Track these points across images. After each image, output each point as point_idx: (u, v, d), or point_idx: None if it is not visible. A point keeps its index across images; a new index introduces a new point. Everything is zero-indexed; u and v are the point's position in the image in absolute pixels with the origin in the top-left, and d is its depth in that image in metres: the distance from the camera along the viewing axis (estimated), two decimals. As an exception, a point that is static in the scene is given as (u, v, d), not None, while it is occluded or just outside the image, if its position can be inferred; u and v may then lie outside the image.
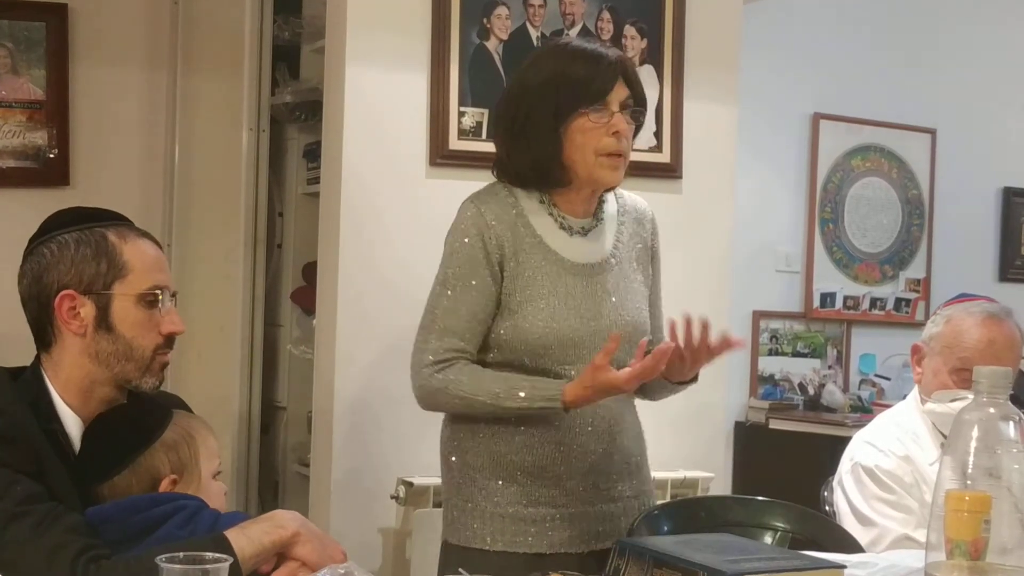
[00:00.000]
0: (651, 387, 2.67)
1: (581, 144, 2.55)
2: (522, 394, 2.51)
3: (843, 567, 2.02)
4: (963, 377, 2.81)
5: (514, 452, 2.58)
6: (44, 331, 2.17)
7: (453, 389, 2.54)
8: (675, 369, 2.51)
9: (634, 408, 2.76)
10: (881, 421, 2.97)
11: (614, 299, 2.62)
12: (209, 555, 1.68)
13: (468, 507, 2.62)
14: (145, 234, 2.24)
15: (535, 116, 2.56)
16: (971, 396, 2.65)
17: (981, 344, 2.81)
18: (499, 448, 2.59)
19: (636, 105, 2.60)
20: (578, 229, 2.64)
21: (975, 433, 1.70)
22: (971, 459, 1.70)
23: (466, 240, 2.58)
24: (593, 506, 2.61)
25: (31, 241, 2.21)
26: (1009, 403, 1.74)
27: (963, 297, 2.97)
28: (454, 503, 2.66)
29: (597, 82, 2.54)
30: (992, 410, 1.71)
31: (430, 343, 2.58)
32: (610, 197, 2.73)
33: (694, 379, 2.65)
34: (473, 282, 2.56)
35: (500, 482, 2.59)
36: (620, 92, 2.56)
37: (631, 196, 2.79)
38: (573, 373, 2.55)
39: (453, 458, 2.67)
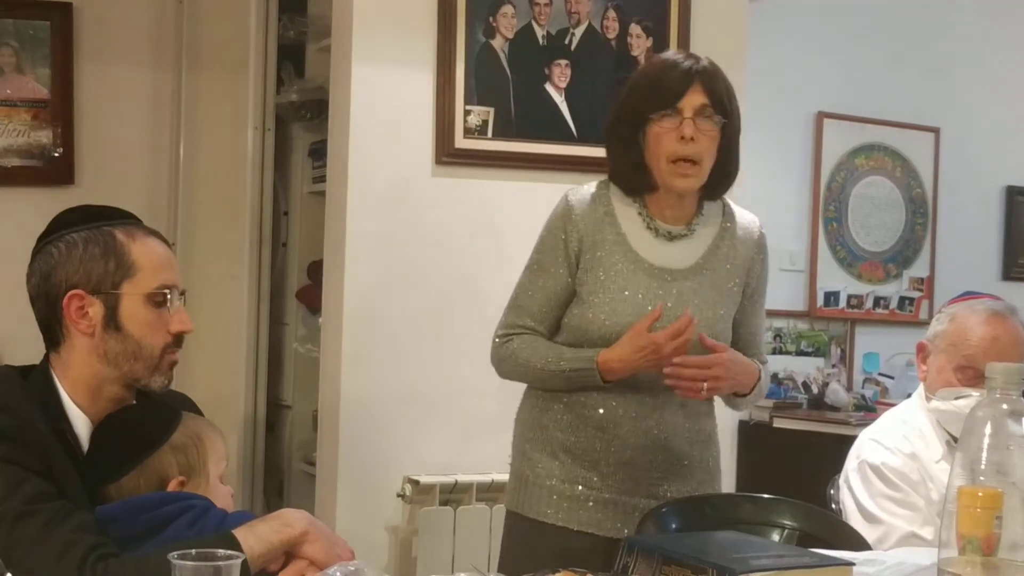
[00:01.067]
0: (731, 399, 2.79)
1: (655, 150, 2.64)
2: (566, 356, 2.66)
3: (852, 564, 2.01)
4: (967, 375, 2.81)
5: (559, 430, 2.71)
6: (52, 330, 2.17)
7: (515, 356, 2.71)
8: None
9: (705, 415, 2.79)
10: (887, 419, 2.97)
11: (691, 305, 2.66)
12: (221, 552, 1.68)
13: (519, 475, 2.77)
14: (154, 233, 2.24)
15: (622, 124, 2.69)
16: (975, 394, 2.67)
17: (985, 342, 2.81)
18: (547, 422, 2.73)
19: (716, 112, 2.64)
20: (664, 233, 2.71)
21: (987, 430, 1.70)
22: (983, 455, 1.70)
23: (552, 229, 2.73)
24: (631, 497, 2.69)
25: (39, 240, 2.20)
26: (1022, 399, 1.73)
27: (968, 295, 2.96)
28: (512, 470, 2.81)
29: (666, 87, 2.63)
30: (1004, 406, 1.71)
31: (507, 317, 2.77)
32: (718, 206, 2.79)
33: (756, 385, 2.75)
34: (551, 269, 2.71)
35: (543, 455, 2.72)
36: (695, 99, 2.62)
37: (742, 212, 2.84)
38: None
39: (516, 426, 2.82)
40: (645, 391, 2.66)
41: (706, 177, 2.67)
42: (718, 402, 2.81)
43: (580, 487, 2.68)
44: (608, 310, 2.63)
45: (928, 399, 2.89)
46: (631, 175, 2.69)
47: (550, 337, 2.73)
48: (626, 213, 2.71)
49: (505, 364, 2.75)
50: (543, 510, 2.69)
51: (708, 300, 2.69)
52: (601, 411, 2.66)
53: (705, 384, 2.58)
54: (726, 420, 4.23)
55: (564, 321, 2.71)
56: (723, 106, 2.66)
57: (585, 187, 2.77)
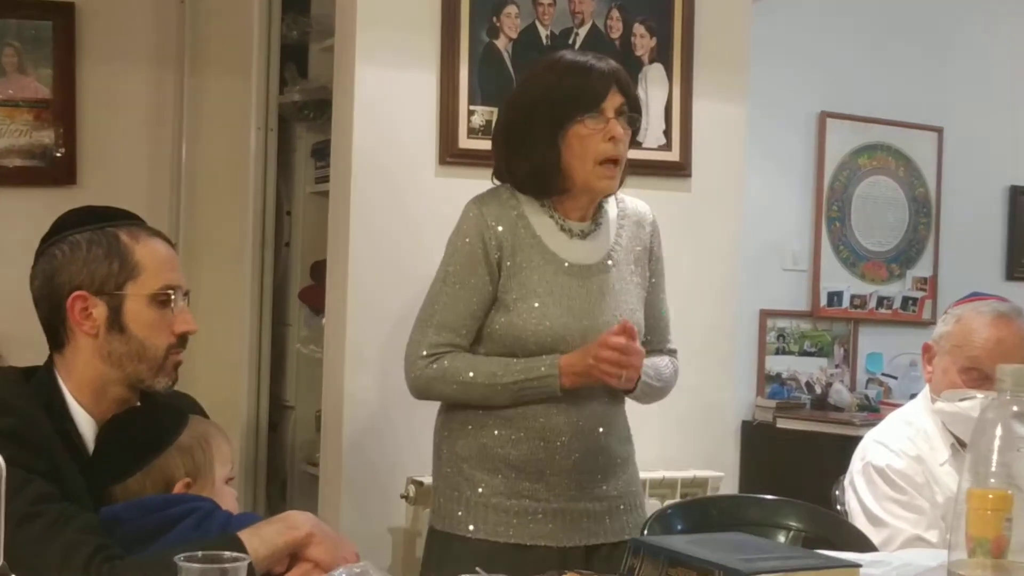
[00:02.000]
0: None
1: (580, 151, 2.63)
2: (519, 367, 2.62)
3: (859, 566, 2.01)
4: (972, 376, 2.81)
5: (500, 445, 2.68)
6: (56, 331, 2.17)
7: (450, 376, 2.65)
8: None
9: (623, 411, 2.83)
10: (892, 421, 2.97)
11: (608, 299, 2.70)
12: (227, 554, 1.67)
13: (454, 495, 2.72)
14: (157, 233, 2.24)
15: (534, 127, 2.65)
16: (980, 395, 2.67)
17: (990, 343, 2.81)
18: (485, 440, 2.69)
19: (631, 111, 2.67)
20: (577, 232, 2.73)
21: (997, 432, 1.70)
22: (993, 457, 1.69)
23: (467, 240, 2.69)
24: (577, 503, 2.69)
25: (43, 241, 2.20)
26: (1032, 401, 1.73)
27: (974, 296, 2.96)
28: (441, 490, 2.76)
29: (591, 90, 2.63)
30: (1015, 408, 1.71)
31: (427, 336, 2.69)
32: (611, 200, 2.82)
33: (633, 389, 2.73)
34: (472, 280, 2.67)
35: (485, 473, 2.68)
36: (615, 99, 2.65)
37: (632, 200, 2.86)
38: None
39: (443, 448, 2.78)
40: (581, 395, 2.67)
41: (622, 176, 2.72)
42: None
43: (528, 500, 2.66)
44: (539, 314, 2.64)
45: (933, 400, 2.89)
46: (543, 178, 2.68)
47: (470, 350, 2.70)
48: (536, 215, 2.71)
49: (435, 384, 2.69)
50: (492, 528, 2.66)
51: (623, 292, 2.74)
52: (542, 420, 2.66)
53: (624, 372, 2.58)
54: (729, 421, 4.25)
55: (485, 331, 2.68)
56: (636, 105, 2.71)
57: (487, 194, 2.76)
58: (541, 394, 2.62)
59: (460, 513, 2.70)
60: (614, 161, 2.65)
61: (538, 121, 2.64)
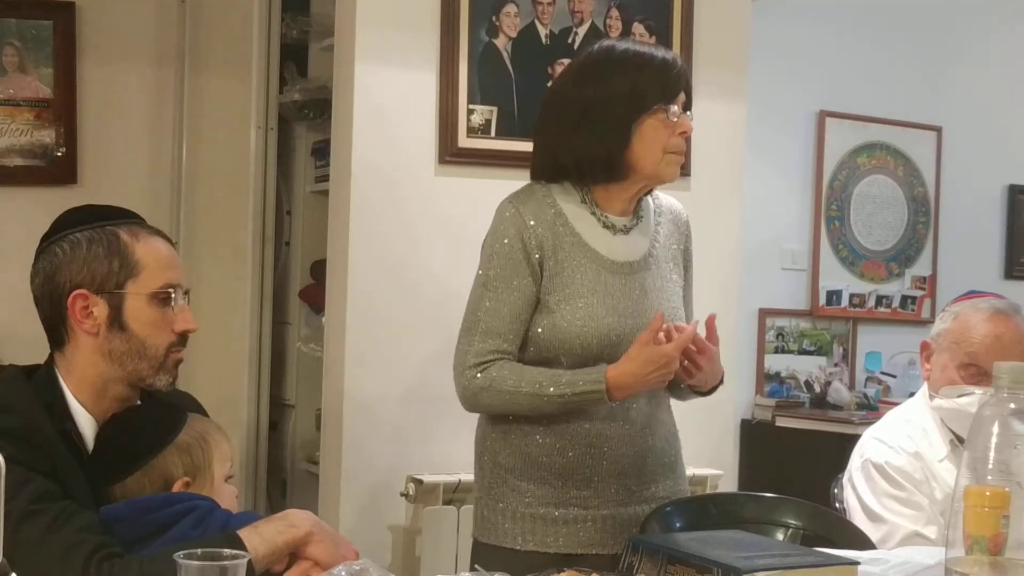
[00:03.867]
0: (678, 389, 2.71)
1: (652, 140, 2.58)
2: (565, 379, 2.52)
3: (857, 563, 2.01)
4: (970, 372, 2.82)
5: (545, 454, 2.60)
6: (57, 330, 2.17)
7: (497, 385, 2.55)
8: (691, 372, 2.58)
9: (669, 408, 2.77)
10: (891, 418, 2.97)
11: (651, 297, 2.64)
12: (227, 552, 1.68)
13: (499, 507, 2.64)
14: (157, 232, 2.24)
15: (615, 110, 2.58)
16: (978, 391, 2.68)
17: (988, 340, 2.81)
18: (530, 450, 2.61)
19: (687, 110, 2.64)
20: (620, 227, 2.66)
21: (995, 429, 1.70)
22: (990, 455, 1.70)
23: (506, 241, 2.60)
24: (626, 507, 2.63)
25: (43, 240, 2.20)
26: (1029, 398, 1.74)
27: (972, 294, 2.97)
28: (485, 502, 2.68)
29: (672, 84, 2.60)
30: (1012, 406, 1.71)
31: (473, 345, 2.59)
32: (647, 198, 2.75)
33: (715, 387, 2.72)
34: (515, 283, 2.58)
35: (531, 483, 2.61)
36: (681, 96, 2.62)
37: (666, 197, 2.81)
38: None
39: (485, 458, 2.69)
40: (627, 398, 2.59)
41: None
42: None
43: (577, 508, 2.60)
44: (584, 315, 2.56)
45: (931, 397, 2.90)
46: (599, 163, 2.60)
47: (518, 355, 2.61)
48: (576, 212, 2.64)
49: (484, 395, 2.57)
50: (541, 539, 2.60)
51: (664, 290, 2.68)
52: (587, 426, 2.58)
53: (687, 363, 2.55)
54: (728, 419, 4.25)
55: (529, 334, 2.59)
56: (691, 105, 2.67)
57: (522, 191, 2.68)
58: (590, 404, 2.54)
59: (507, 525, 2.62)
60: (682, 153, 2.62)
61: (618, 107, 2.57)
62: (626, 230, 2.67)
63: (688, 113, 2.63)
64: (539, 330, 2.58)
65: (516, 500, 2.62)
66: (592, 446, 2.59)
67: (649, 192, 2.73)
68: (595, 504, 2.61)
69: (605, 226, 2.64)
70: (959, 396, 2.78)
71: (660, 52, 2.66)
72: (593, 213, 2.64)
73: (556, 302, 2.58)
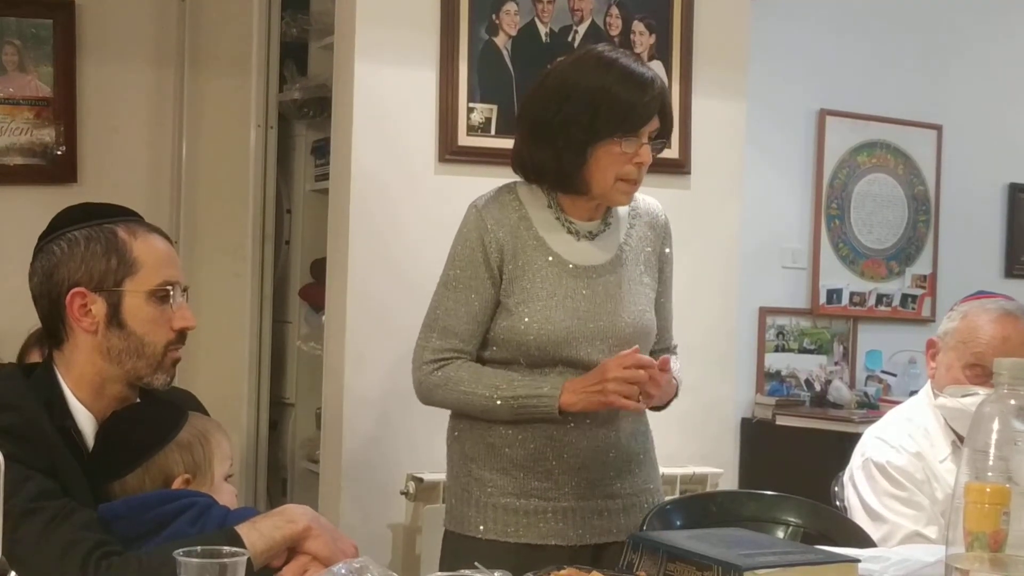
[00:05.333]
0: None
1: (605, 166, 2.59)
2: (521, 383, 2.58)
3: (857, 561, 2.01)
4: (976, 373, 2.81)
5: (508, 445, 2.64)
6: (56, 328, 2.17)
7: (453, 385, 2.62)
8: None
9: (641, 412, 2.75)
10: (893, 417, 2.97)
11: (616, 301, 2.66)
12: (226, 549, 1.68)
13: (464, 495, 2.69)
14: (155, 229, 2.23)
15: (570, 127, 2.58)
16: (983, 392, 2.67)
17: (995, 341, 2.81)
18: (493, 440, 2.65)
19: (661, 136, 2.63)
20: (585, 233, 2.68)
21: (995, 426, 1.70)
22: (991, 451, 1.70)
23: (467, 243, 2.66)
24: (587, 501, 2.66)
25: (41, 238, 2.20)
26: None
27: (981, 294, 2.97)
28: (453, 491, 2.74)
29: (638, 111, 2.57)
30: (1012, 402, 1.71)
31: (431, 341, 2.66)
32: None
33: (670, 402, 2.72)
34: (473, 283, 2.63)
35: (493, 473, 2.65)
36: (653, 124, 2.60)
37: (645, 199, 2.81)
38: (568, 373, 2.60)
39: (454, 448, 2.75)
40: None
41: None
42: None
43: (537, 500, 2.63)
44: (541, 318, 2.59)
45: (936, 396, 2.89)
46: (562, 177, 2.62)
47: (476, 355, 2.66)
48: (541, 216, 2.67)
49: (438, 392, 2.64)
50: (502, 529, 2.63)
51: (632, 293, 2.68)
52: (549, 419, 2.60)
53: (639, 394, 2.52)
54: (728, 418, 4.25)
55: (491, 335, 2.64)
56: (669, 128, 2.66)
57: (490, 194, 2.71)
58: (539, 413, 2.56)
59: (471, 514, 2.67)
60: (635, 182, 2.62)
61: (576, 124, 2.56)
62: (591, 236, 2.69)
63: (660, 142, 2.62)
64: (498, 331, 2.63)
65: (479, 490, 2.67)
66: (553, 438, 2.62)
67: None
68: (555, 496, 2.64)
69: (569, 231, 2.67)
70: (964, 396, 2.78)
71: (641, 72, 2.61)
72: (558, 218, 2.68)
73: (515, 304, 2.61)
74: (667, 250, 2.81)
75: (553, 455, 2.63)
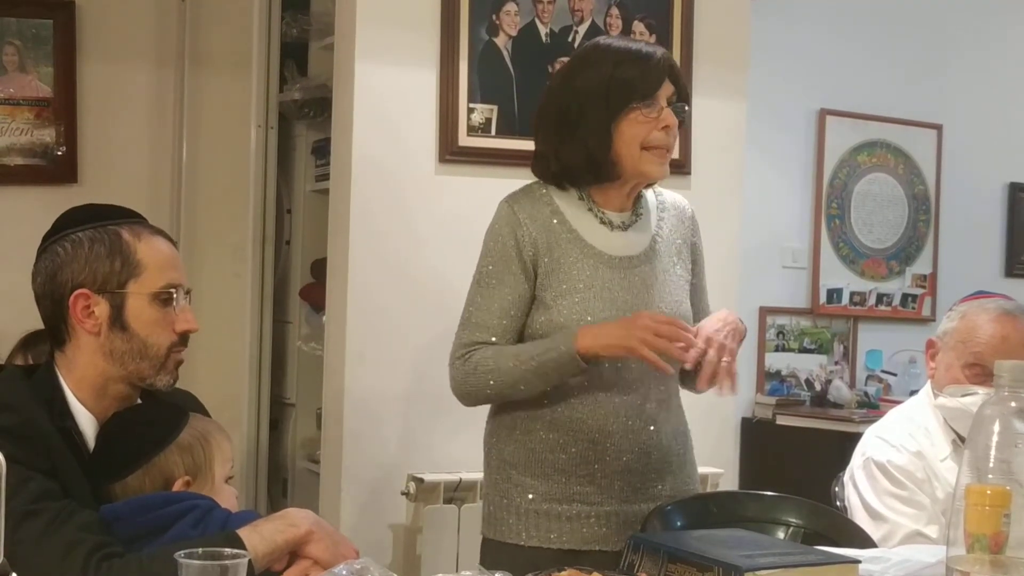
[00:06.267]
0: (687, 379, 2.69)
1: (630, 139, 2.58)
2: (541, 343, 2.54)
3: (858, 562, 2.01)
4: (975, 372, 2.82)
5: (548, 450, 2.60)
6: (58, 329, 2.17)
7: (481, 367, 2.57)
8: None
9: (678, 407, 2.76)
10: (893, 417, 2.97)
11: (653, 291, 2.64)
12: (227, 551, 1.68)
13: (504, 503, 2.65)
14: (159, 232, 2.24)
15: (588, 112, 2.59)
16: (982, 391, 2.68)
17: (995, 340, 2.81)
18: (534, 445, 2.62)
19: (680, 101, 2.63)
20: (618, 223, 2.67)
21: (995, 428, 1.70)
22: (991, 453, 1.70)
23: (500, 238, 2.63)
24: (631, 504, 2.63)
25: (45, 239, 2.20)
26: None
27: (980, 294, 2.97)
28: (492, 498, 2.70)
29: (648, 78, 2.59)
30: (1013, 404, 1.71)
31: (462, 337, 2.63)
32: (649, 193, 2.77)
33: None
34: (506, 279, 2.61)
35: (535, 479, 2.61)
36: (667, 88, 2.61)
37: (671, 193, 2.82)
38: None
39: (492, 454, 2.70)
40: (631, 393, 2.61)
41: None
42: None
43: (579, 504, 2.60)
44: (580, 309, 2.57)
45: (936, 395, 2.89)
46: (595, 165, 2.62)
47: None
48: (574, 209, 2.66)
49: (469, 380, 2.60)
50: (544, 535, 2.60)
51: (667, 283, 2.68)
52: (590, 422, 2.59)
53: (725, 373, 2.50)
54: (728, 417, 4.25)
55: (528, 331, 2.61)
56: (686, 95, 2.67)
57: (520, 190, 2.71)
58: (561, 366, 2.51)
59: (511, 521, 2.63)
60: (666, 148, 2.61)
61: (592, 108, 2.58)
62: (624, 226, 2.68)
63: (680, 105, 2.62)
64: (536, 326, 2.60)
65: (520, 496, 2.62)
66: (595, 442, 2.59)
67: (649, 187, 2.74)
68: (599, 500, 2.61)
69: (603, 222, 2.66)
70: (963, 396, 2.78)
71: (639, 47, 2.65)
72: (590, 210, 2.66)
73: (552, 298, 2.59)
74: (697, 241, 2.82)
75: (596, 458, 2.59)
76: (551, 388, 2.57)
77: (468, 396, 2.65)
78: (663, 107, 2.59)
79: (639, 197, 2.72)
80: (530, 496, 2.61)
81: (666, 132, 2.59)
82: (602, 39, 2.73)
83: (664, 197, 2.79)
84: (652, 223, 2.73)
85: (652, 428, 2.64)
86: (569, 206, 2.66)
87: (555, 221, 2.64)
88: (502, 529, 2.65)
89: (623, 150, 2.59)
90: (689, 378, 2.65)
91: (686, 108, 2.66)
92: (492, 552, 2.66)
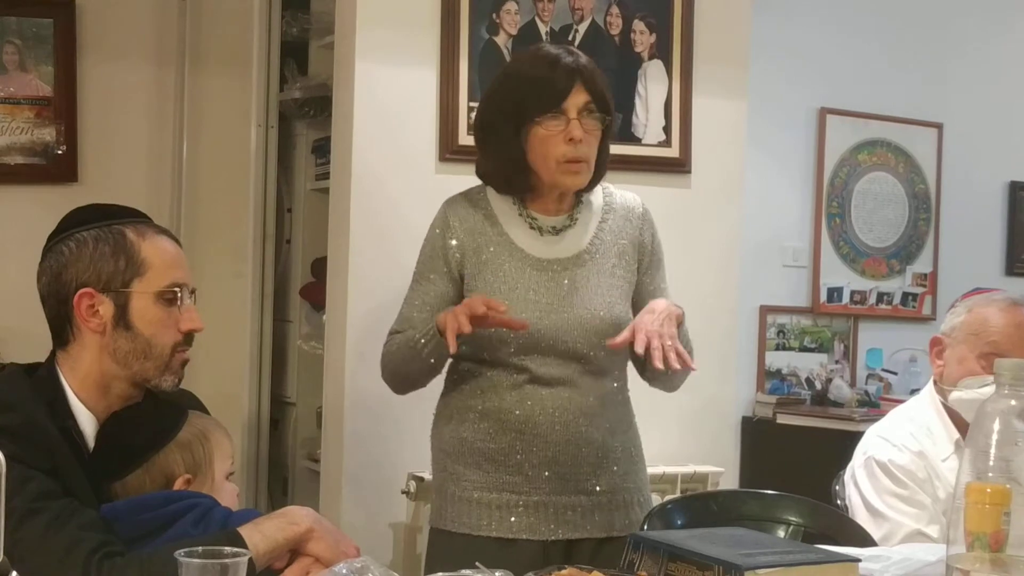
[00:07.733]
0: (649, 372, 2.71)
1: (541, 152, 2.62)
2: (425, 327, 2.62)
3: (858, 560, 2.01)
4: (991, 362, 2.79)
5: (478, 439, 2.67)
6: (62, 328, 2.17)
7: (390, 351, 2.72)
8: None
9: (622, 403, 2.78)
10: (895, 416, 2.96)
11: (581, 294, 2.67)
12: (228, 550, 1.68)
13: (442, 491, 2.73)
14: (164, 231, 2.24)
15: (497, 123, 2.66)
16: (998, 382, 2.67)
17: (1009, 328, 2.81)
18: (464, 434, 2.69)
19: (598, 110, 2.63)
20: (549, 228, 2.72)
21: (996, 426, 1.70)
22: (992, 452, 1.70)
23: (430, 240, 2.75)
24: (559, 496, 2.66)
25: (50, 238, 2.20)
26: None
27: (979, 290, 2.97)
28: (434, 487, 2.78)
29: (550, 88, 2.60)
30: (1013, 402, 1.71)
31: (391, 328, 2.75)
32: (597, 192, 2.79)
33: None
34: (431, 276, 2.72)
35: (466, 468, 2.68)
36: (579, 97, 2.61)
37: (622, 193, 2.84)
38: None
39: (433, 444, 2.79)
40: (561, 386, 2.65)
41: (592, 171, 2.68)
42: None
43: (508, 494, 2.65)
44: None
45: (943, 393, 2.88)
46: (510, 175, 2.68)
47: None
48: (507, 213, 2.72)
49: (384, 362, 2.75)
50: (475, 523, 2.65)
51: (601, 285, 2.70)
52: (518, 412, 2.64)
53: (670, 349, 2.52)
54: (729, 416, 4.25)
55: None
56: (605, 103, 2.65)
57: (462, 193, 2.78)
58: (434, 342, 2.58)
59: (449, 509, 2.69)
60: (575, 161, 2.62)
61: (501, 123, 2.64)
62: (555, 231, 2.72)
63: (599, 115, 2.62)
64: None
65: (454, 484, 2.69)
66: (522, 432, 2.64)
67: (588, 191, 2.76)
68: (527, 491, 2.65)
69: (532, 227, 2.71)
70: (981, 387, 2.75)
71: (548, 56, 2.65)
72: (521, 214, 2.72)
73: None
74: (647, 238, 2.80)
75: (522, 448, 2.64)
76: (483, 379, 2.67)
77: (387, 380, 2.79)
78: (571, 118, 2.59)
79: (578, 199, 2.75)
80: (463, 484, 2.68)
81: (573, 145, 2.59)
82: (523, 51, 2.77)
83: (614, 198, 2.81)
84: (592, 225, 2.75)
85: (582, 422, 2.67)
86: (503, 209, 2.72)
87: (487, 224, 2.70)
88: (439, 517, 2.72)
89: (537, 162, 2.64)
90: (648, 371, 2.70)
91: (606, 118, 2.65)
92: (433, 540, 2.75)
